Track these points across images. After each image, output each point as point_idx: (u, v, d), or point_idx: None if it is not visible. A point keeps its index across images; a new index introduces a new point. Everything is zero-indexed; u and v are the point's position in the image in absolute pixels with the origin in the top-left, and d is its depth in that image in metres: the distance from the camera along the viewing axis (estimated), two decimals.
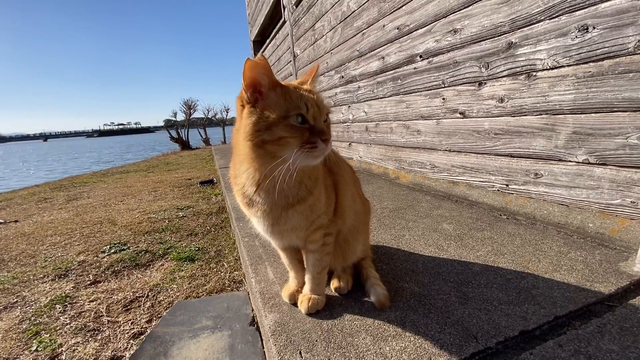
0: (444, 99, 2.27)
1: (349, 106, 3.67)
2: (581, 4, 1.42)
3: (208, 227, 2.56)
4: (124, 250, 2.17)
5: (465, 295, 1.05)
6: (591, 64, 1.42)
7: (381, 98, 3.01)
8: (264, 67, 0.76)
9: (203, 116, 17.84)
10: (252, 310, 1.33)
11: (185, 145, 13.49)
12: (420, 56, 2.42)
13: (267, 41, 7.30)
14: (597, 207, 1.48)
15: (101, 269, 1.92)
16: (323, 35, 4.01)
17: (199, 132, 15.95)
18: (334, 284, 1.12)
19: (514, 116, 1.80)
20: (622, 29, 1.30)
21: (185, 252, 2.06)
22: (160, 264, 1.96)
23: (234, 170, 0.94)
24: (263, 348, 1.11)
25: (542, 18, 1.58)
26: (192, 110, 15.65)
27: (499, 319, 0.92)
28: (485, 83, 1.94)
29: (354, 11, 3.22)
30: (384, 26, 2.79)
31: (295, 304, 1.05)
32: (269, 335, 0.94)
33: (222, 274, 1.78)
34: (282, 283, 1.19)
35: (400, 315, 0.97)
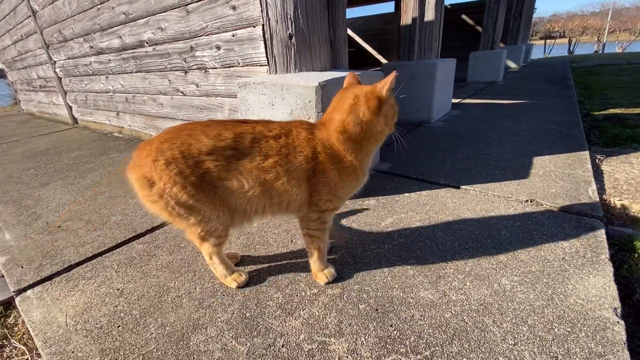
0: (169, 80, 2.97)
1: (107, 77, 3.82)
2: (215, 32, 2.35)
3: None
4: None
5: None
6: (227, 68, 2.43)
7: (130, 73, 3.40)
8: None
9: None
10: None
11: None
12: (147, 42, 2.97)
13: None
14: None
15: None
16: None
17: None
18: None
19: (206, 96, 2.72)
20: (234, 50, 2.32)
21: None
22: None
23: None
24: None
25: (202, 34, 2.46)
26: None
27: None
28: (188, 72, 2.76)
29: None
30: (113, 8, 3.09)
31: None
32: None
33: None
34: None
35: None
